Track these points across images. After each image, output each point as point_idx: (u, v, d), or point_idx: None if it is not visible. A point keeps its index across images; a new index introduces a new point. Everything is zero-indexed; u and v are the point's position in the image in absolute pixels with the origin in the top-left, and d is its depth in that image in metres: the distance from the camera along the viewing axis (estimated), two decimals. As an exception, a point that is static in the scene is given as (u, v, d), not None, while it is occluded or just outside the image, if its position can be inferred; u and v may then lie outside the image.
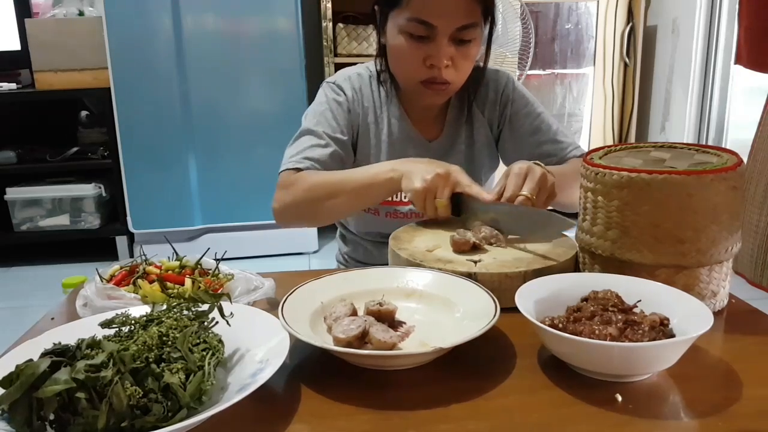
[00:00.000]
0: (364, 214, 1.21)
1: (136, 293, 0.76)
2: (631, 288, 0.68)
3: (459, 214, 0.96)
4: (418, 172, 0.93)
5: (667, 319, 0.62)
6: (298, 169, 1.06)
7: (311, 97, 1.21)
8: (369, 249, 1.26)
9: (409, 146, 1.18)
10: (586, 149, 1.02)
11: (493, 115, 1.20)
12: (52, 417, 0.49)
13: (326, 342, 0.63)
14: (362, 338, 0.63)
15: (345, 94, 1.15)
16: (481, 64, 1.16)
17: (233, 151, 2.76)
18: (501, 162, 1.27)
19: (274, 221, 1.09)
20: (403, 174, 0.95)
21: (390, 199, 1.16)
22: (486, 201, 0.91)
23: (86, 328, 0.61)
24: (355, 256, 1.30)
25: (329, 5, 2.78)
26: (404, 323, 0.70)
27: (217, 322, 0.62)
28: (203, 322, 0.61)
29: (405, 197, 1.11)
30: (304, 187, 1.03)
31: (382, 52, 1.14)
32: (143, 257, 0.87)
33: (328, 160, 1.08)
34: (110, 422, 0.48)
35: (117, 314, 0.61)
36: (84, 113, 3.01)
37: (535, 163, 0.96)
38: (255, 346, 0.61)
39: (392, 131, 1.17)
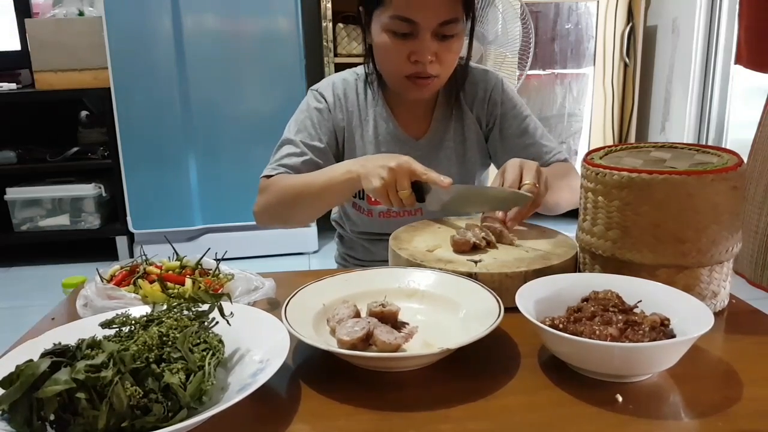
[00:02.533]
0: (359, 215, 1.22)
1: (137, 293, 0.76)
2: (632, 288, 0.68)
3: (423, 200, 0.97)
4: (373, 171, 0.95)
5: (668, 320, 0.62)
6: (272, 176, 1.12)
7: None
8: (366, 247, 1.27)
9: (396, 146, 1.19)
10: (580, 151, 1.04)
11: (482, 113, 1.22)
12: (52, 417, 0.49)
13: (330, 344, 0.63)
14: (366, 340, 0.63)
15: (326, 100, 1.19)
16: (464, 60, 1.18)
17: (233, 151, 2.76)
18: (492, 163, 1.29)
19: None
20: (360, 175, 0.97)
21: None
22: (443, 186, 0.92)
23: (86, 328, 0.61)
24: (354, 255, 1.31)
25: (329, 5, 2.78)
26: (407, 324, 0.70)
27: (217, 322, 0.62)
28: (203, 322, 0.61)
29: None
30: (275, 190, 1.09)
31: (369, 52, 1.16)
32: (143, 257, 0.87)
33: (301, 167, 1.12)
34: (110, 422, 0.48)
35: (117, 314, 0.61)
36: (84, 113, 3.01)
37: None
38: (255, 346, 0.61)
39: (378, 132, 1.19)
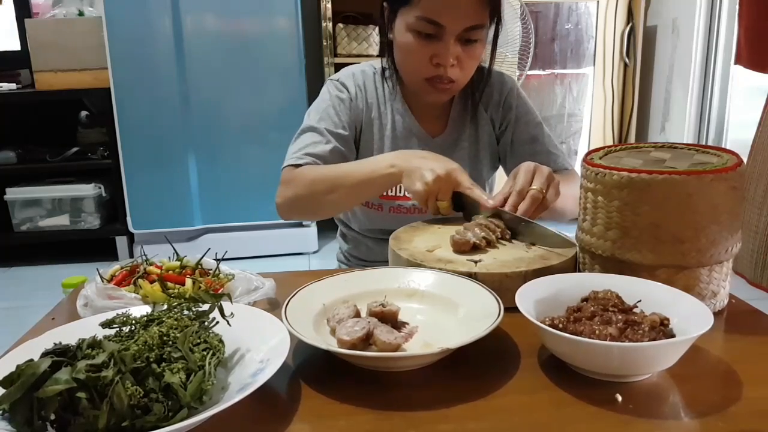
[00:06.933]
0: (368, 210, 1.21)
1: (137, 293, 0.76)
2: (631, 288, 0.68)
3: (461, 210, 0.97)
4: (418, 172, 0.94)
5: (668, 320, 0.62)
6: (299, 165, 1.08)
7: (311, 97, 1.23)
8: (370, 246, 1.27)
9: (413, 142, 1.19)
10: (580, 151, 1.04)
11: (496, 115, 1.23)
12: (52, 417, 0.49)
13: (330, 344, 0.63)
14: (366, 340, 0.63)
15: (348, 90, 1.17)
16: (486, 64, 1.18)
17: (233, 151, 2.76)
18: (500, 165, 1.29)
19: (274, 221, 1.11)
20: (403, 172, 0.96)
21: (393, 194, 1.17)
22: (487, 208, 0.92)
23: (87, 328, 0.61)
24: (357, 254, 1.31)
25: (329, 5, 2.78)
26: (407, 324, 0.70)
27: (217, 322, 0.63)
28: (204, 322, 0.61)
29: (406, 193, 1.14)
30: (304, 182, 1.05)
31: (389, 48, 1.15)
32: (144, 257, 0.87)
33: (328, 156, 1.09)
34: (111, 422, 0.48)
35: (118, 314, 0.61)
36: (84, 113, 3.02)
37: None
38: (255, 346, 0.61)
39: (396, 127, 1.19)
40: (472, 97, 1.20)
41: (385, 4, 1.11)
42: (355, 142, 1.18)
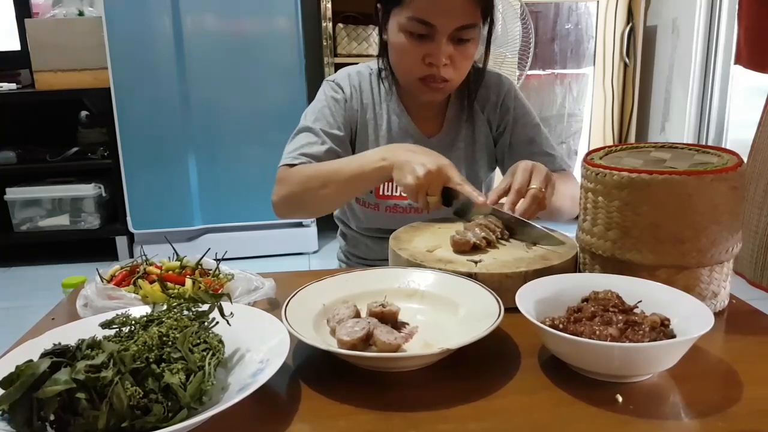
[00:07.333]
0: (365, 209, 1.22)
1: (137, 293, 0.76)
2: (632, 288, 0.68)
3: (450, 205, 0.97)
4: (408, 166, 0.94)
5: (668, 320, 0.62)
6: (294, 165, 1.09)
7: (311, 97, 1.24)
8: (369, 245, 1.28)
9: (408, 142, 1.19)
10: (580, 151, 1.04)
11: (493, 117, 1.22)
12: (52, 417, 0.49)
13: (330, 344, 0.63)
14: (366, 340, 0.63)
15: (343, 91, 1.18)
16: (481, 64, 1.18)
17: (233, 151, 2.76)
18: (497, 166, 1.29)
19: (273, 221, 1.12)
20: (394, 165, 0.97)
21: (389, 193, 1.18)
22: (477, 203, 0.93)
23: (86, 328, 0.61)
24: (356, 253, 1.32)
25: (329, 5, 2.78)
26: (407, 324, 0.70)
27: (217, 323, 0.62)
28: (203, 322, 0.61)
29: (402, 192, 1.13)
30: (298, 179, 1.07)
31: (383, 49, 1.16)
32: (143, 257, 0.87)
33: (323, 156, 1.10)
34: (111, 423, 0.48)
35: (117, 314, 0.61)
36: (84, 113, 3.01)
37: None
38: (255, 347, 0.61)
39: (391, 127, 1.19)
40: (468, 97, 1.20)
41: (378, 4, 1.11)
42: (351, 143, 1.19)
